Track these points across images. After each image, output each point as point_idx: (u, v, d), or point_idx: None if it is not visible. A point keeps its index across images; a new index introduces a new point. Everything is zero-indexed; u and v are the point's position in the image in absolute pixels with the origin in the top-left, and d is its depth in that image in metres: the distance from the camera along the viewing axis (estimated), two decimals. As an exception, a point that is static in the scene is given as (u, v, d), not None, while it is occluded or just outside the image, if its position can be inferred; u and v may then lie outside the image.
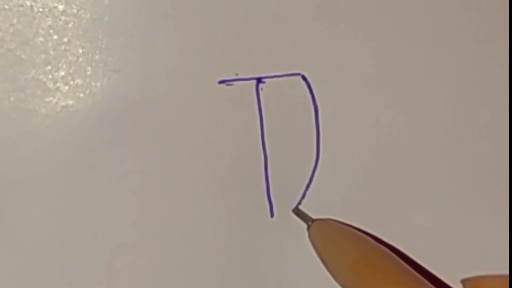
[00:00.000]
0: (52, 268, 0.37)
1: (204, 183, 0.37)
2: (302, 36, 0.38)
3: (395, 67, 0.39)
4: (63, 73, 0.37)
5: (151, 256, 0.37)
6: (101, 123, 0.37)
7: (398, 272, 0.33)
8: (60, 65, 0.37)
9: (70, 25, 0.37)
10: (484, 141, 0.39)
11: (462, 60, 0.39)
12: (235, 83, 0.38)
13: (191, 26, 0.37)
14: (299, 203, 0.38)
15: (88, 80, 0.37)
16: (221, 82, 0.37)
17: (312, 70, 0.38)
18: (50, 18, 0.36)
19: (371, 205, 0.38)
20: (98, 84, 0.37)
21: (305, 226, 0.37)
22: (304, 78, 0.38)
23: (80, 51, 0.37)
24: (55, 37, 0.36)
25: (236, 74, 0.38)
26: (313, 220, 0.37)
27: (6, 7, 0.36)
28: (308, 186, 0.38)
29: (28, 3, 0.36)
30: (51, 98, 0.37)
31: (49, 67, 0.36)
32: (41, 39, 0.36)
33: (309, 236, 0.36)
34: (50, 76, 0.36)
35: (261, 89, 0.38)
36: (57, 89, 0.37)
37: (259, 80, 0.38)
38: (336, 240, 0.35)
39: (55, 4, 0.36)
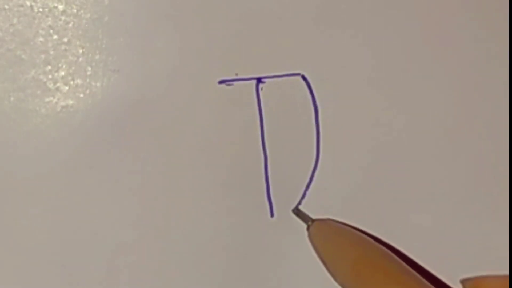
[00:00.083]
0: (52, 268, 0.37)
1: (204, 183, 0.37)
2: (302, 36, 0.38)
3: (395, 67, 0.39)
4: (63, 73, 0.37)
5: (151, 256, 0.37)
6: (101, 123, 0.37)
7: (398, 272, 0.33)
8: (60, 65, 0.37)
9: (70, 25, 0.37)
10: (484, 141, 0.39)
11: (462, 60, 0.39)
12: (235, 83, 0.38)
13: (191, 26, 0.37)
14: (299, 203, 0.38)
15: (88, 80, 0.37)
16: (221, 82, 0.37)
17: (312, 70, 0.38)
18: (50, 18, 0.36)
19: (371, 205, 0.38)
20: (98, 84, 0.37)
21: (305, 226, 0.37)
22: (304, 78, 0.38)
23: (80, 51, 0.37)
24: (55, 37, 0.36)
25: (236, 74, 0.38)
26: (313, 220, 0.37)
27: (6, 7, 0.36)
28: (308, 186, 0.38)
29: (28, 3, 0.36)
30: (51, 98, 0.37)
31: (49, 67, 0.36)
32: (41, 39, 0.36)
33: (309, 236, 0.36)
34: (50, 76, 0.36)
35: (261, 89, 0.38)
36: (57, 89, 0.37)
37: (259, 80, 0.38)
38: (336, 240, 0.35)
39: (55, 4, 0.36)
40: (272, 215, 0.38)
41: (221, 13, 0.37)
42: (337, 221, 0.37)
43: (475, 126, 0.39)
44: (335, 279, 0.34)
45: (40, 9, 0.36)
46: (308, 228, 0.37)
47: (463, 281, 0.36)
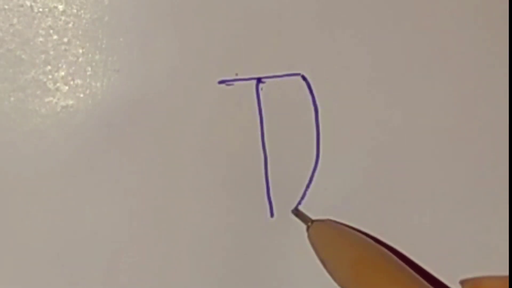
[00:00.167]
0: (52, 268, 0.37)
1: (204, 183, 0.37)
2: (302, 36, 0.38)
3: (395, 67, 0.39)
4: (63, 73, 0.37)
5: (151, 256, 0.37)
6: (101, 123, 0.37)
7: (397, 273, 0.33)
8: (60, 65, 0.37)
9: (70, 25, 0.37)
10: (484, 141, 0.39)
11: (462, 60, 0.39)
12: (235, 83, 0.38)
13: (191, 26, 0.37)
14: (299, 203, 0.38)
15: (88, 80, 0.37)
16: (221, 82, 0.37)
17: (312, 70, 0.38)
18: (50, 18, 0.36)
19: (371, 205, 0.38)
20: (98, 84, 0.37)
21: (305, 226, 0.37)
22: (304, 78, 0.38)
23: (80, 51, 0.37)
24: (55, 37, 0.36)
25: (236, 74, 0.38)
26: (312, 221, 0.37)
27: (6, 7, 0.36)
28: (308, 186, 0.38)
29: (28, 3, 0.36)
30: (51, 98, 0.37)
31: (49, 67, 0.36)
32: (41, 39, 0.36)
33: (309, 237, 0.36)
34: (50, 76, 0.36)
35: (261, 89, 0.38)
36: (57, 89, 0.37)
37: (259, 80, 0.38)
38: (336, 241, 0.35)
39: (55, 4, 0.36)
40: (272, 215, 0.38)
41: (221, 13, 0.37)
42: (336, 222, 0.37)
43: (475, 126, 0.39)
44: (335, 280, 0.34)
45: (40, 9, 0.36)
46: (307, 229, 0.37)
47: (462, 282, 0.36)
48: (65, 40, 0.37)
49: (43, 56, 0.36)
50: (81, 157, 0.37)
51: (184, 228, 0.37)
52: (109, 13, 0.37)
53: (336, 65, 0.38)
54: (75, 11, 0.37)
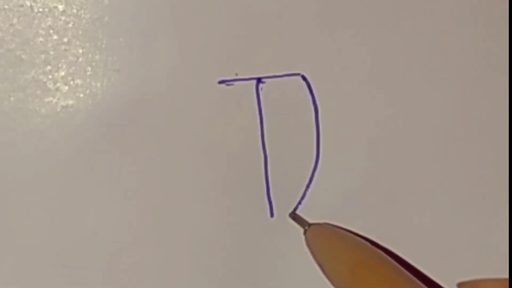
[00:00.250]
0: (52, 268, 0.37)
1: (204, 183, 0.37)
2: (302, 36, 0.38)
3: (395, 67, 0.39)
4: (63, 73, 0.37)
5: (151, 256, 0.37)
6: (101, 123, 0.37)
7: (395, 277, 0.33)
8: (60, 65, 0.37)
9: (70, 25, 0.37)
10: (484, 141, 0.39)
11: (462, 60, 0.39)
12: (235, 83, 0.38)
13: (191, 26, 0.37)
14: (299, 203, 0.38)
15: (88, 80, 0.37)
16: (221, 82, 0.37)
17: (312, 70, 0.38)
18: (50, 18, 0.36)
19: (371, 205, 0.38)
20: (98, 84, 0.37)
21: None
22: (304, 78, 0.38)
23: (80, 51, 0.37)
24: (55, 37, 0.36)
25: (236, 74, 0.38)
26: (309, 225, 0.37)
27: (6, 7, 0.36)
28: (308, 186, 0.38)
29: (28, 3, 0.36)
30: (51, 98, 0.37)
31: (49, 67, 0.36)
32: (41, 39, 0.36)
33: (306, 240, 0.36)
34: (50, 76, 0.36)
35: (261, 89, 0.38)
36: (57, 89, 0.37)
37: (259, 80, 0.38)
38: (333, 245, 0.35)
39: (55, 4, 0.36)
40: (272, 215, 0.38)
41: (221, 13, 0.37)
42: (334, 225, 0.37)
43: (476, 126, 0.39)
44: (332, 284, 0.34)
45: (40, 9, 0.36)
46: (304, 233, 0.37)
47: (460, 285, 0.36)
48: (65, 40, 0.37)
49: (43, 56, 0.36)
50: (81, 157, 0.37)
51: (184, 228, 0.37)
52: (109, 13, 0.37)
53: (336, 65, 0.38)
54: (75, 11, 0.37)
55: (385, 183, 0.39)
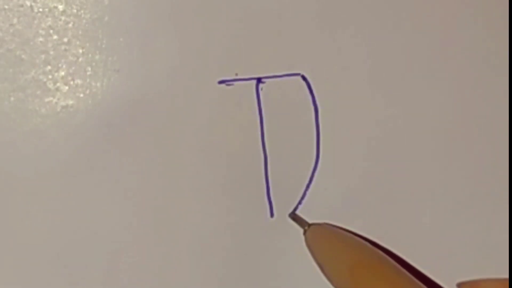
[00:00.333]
0: (52, 268, 0.37)
1: (204, 183, 0.37)
2: (302, 36, 0.38)
3: (395, 67, 0.39)
4: (63, 73, 0.37)
5: (151, 256, 0.37)
6: (101, 123, 0.37)
7: (394, 277, 0.33)
8: (60, 65, 0.37)
9: (70, 25, 0.37)
10: (484, 141, 0.39)
11: (462, 60, 0.39)
12: (235, 83, 0.38)
13: (191, 26, 0.37)
14: (299, 203, 0.38)
15: (88, 80, 0.37)
16: (221, 82, 0.37)
17: (312, 70, 0.38)
18: (50, 18, 0.36)
19: (371, 205, 0.38)
20: (98, 84, 0.37)
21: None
22: (304, 78, 0.38)
23: (80, 51, 0.37)
24: (55, 37, 0.36)
25: (236, 74, 0.38)
26: (309, 225, 0.37)
27: (6, 7, 0.36)
28: (308, 186, 0.38)
29: (28, 3, 0.36)
30: (51, 98, 0.37)
31: (49, 67, 0.36)
32: (41, 39, 0.36)
33: (306, 241, 0.36)
34: (50, 76, 0.36)
35: (261, 89, 0.38)
36: (57, 89, 0.37)
37: (259, 80, 0.38)
38: (333, 245, 0.35)
39: (55, 4, 0.36)
40: (272, 215, 0.38)
41: (221, 13, 0.37)
42: (333, 225, 0.37)
43: (476, 126, 0.39)
44: (332, 284, 0.34)
45: (40, 9, 0.36)
46: (304, 233, 0.37)
47: (459, 285, 0.36)
48: (65, 40, 0.37)
49: (43, 56, 0.36)
50: (81, 157, 0.37)
51: (184, 228, 0.37)
52: (109, 13, 0.37)
53: (336, 65, 0.38)
54: (75, 11, 0.37)
55: (385, 183, 0.39)
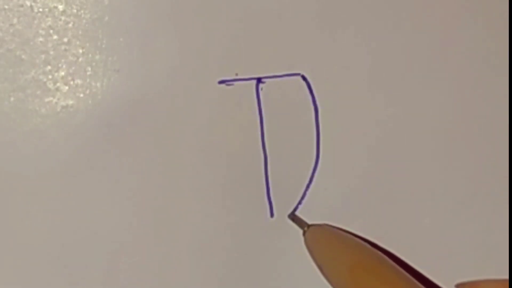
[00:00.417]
0: (52, 268, 0.37)
1: (204, 183, 0.37)
2: (302, 36, 0.38)
3: (395, 67, 0.39)
4: (63, 73, 0.37)
5: (151, 256, 0.37)
6: (101, 123, 0.37)
7: (394, 278, 0.33)
8: (60, 65, 0.37)
9: (70, 25, 0.37)
10: (484, 141, 0.39)
11: (462, 60, 0.39)
12: (235, 83, 0.38)
13: (191, 26, 0.37)
14: (299, 203, 0.38)
15: (88, 80, 0.37)
16: (221, 82, 0.37)
17: (312, 70, 0.38)
18: (50, 18, 0.36)
19: (371, 205, 0.38)
20: (98, 84, 0.37)
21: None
22: (304, 78, 0.38)
23: (80, 51, 0.37)
24: (55, 37, 0.36)
25: (236, 74, 0.38)
26: (308, 226, 0.37)
27: (6, 7, 0.36)
28: (308, 186, 0.38)
29: (28, 3, 0.36)
30: (51, 98, 0.37)
31: (49, 67, 0.36)
32: (41, 39, 0.36)
33: (305, 241, 0.36)
34: (50, 76, 0.36)
35: (261, 89, 0.38)
36: (57, 89, 0.37)
37: (259, 80, 0.38)
38: (332, 246, 0.35)
39: (55, 4, 0.36)
40: (272, 215, 0.38)
41: (221, 13, 0.37)
42: (333, 226, 0.37)
43: (476, 126, 0.39)
44: (332, 285, 0.34)
45: (40, 9, 0.36)
46: (304, 234, 0.37)
47: (459, 286, 0.36)
48: (65, 40, 0.37)
49: (43, 56, 0.36)
50: (81, 157, 0.37)
51: (184, 228, 0.37)
52: (109, 13, 0.37)
53: (336, 65, 0.38)
54: (75, 11, 0.37)
55: (385, 183, 0.39)
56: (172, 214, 0.37)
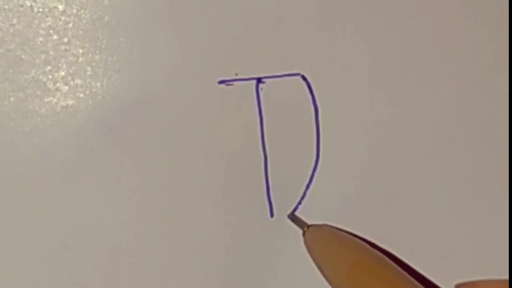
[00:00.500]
0: (52, 268, 0.37)
1: (204, 183, 0.37)
2: (302, 36, 0.38)
3: (395, 67, 0.39)
4: (63, 73, 0.37)
5: (151, 256, 0.37)
6: (101, 123, 0.37)
7: (393, 278, 0.33)
8: (60, 65, 0.37)
9: (70, 25, 0.37)
10: (484, 141, 0.39)
11: (462, 60, 0.39)
12: (235, 83, 0.38)
13: (191, 26, 0.37)
14: (299, 203, 0.38)
15: (88, 80, 0.37)
16: (221, 82, 0.37)
17: (312, 70, 0.38)
18: (50, 18, 0.36)
19: (371, 205, 0.38)
20: (98, 84, 0.37)
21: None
22: (304, 78, 0.38)
23: (80, 51, 0.37)
24: (55, 37, 0.36)
25: (236, 74, 0.38)
26: (308, 226, 0.37)
27: (6, 7, 0.36)
28: (308, 186, 0.38)
29: (28, 3, 0.36)
30: (51, 98, 0.37)
31: (49, 67, 0.36)
32: (41, 39, 0.36)
33: (305, 242, 0.36)
34: (50, 76, 0.36)
35: (261, 89, 0.38)
36: (57, 89, 0.37)
37: (259, 80, 0.38)
38: (332, 246, 0.35)
39: (55, 4, 0.36)
40: (272, 215, 0.38)
41: (221, 13, 0.37)
42: (333, 227, 0.37)
43: (476, 126, 0.39)
44: (331, 285, 0.34)
45: (40, 9, 0.36)
46: (303, 234, 0.37)
47: (458, 286, 0.36)
48: (65, 40, 0.37)
49: (43, 56, 0.36)
50: (81, 157, 0.37)
51: (184, 228, 0.37)
52: (109, 13, 0.37)
53: (336, 65, 0.38)
54: (75, 11, 0.37)
55: (385, 183, 0.39)
56: (172, 214, 0.37)
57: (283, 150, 0.38)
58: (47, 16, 0.36)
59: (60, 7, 0.36)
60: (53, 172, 0.37)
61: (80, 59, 0.37)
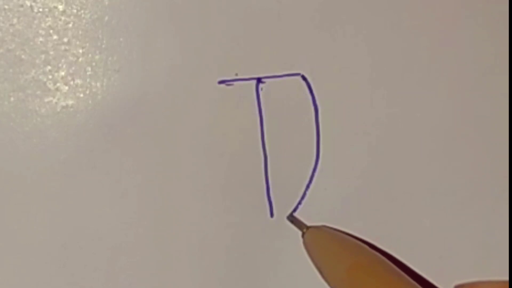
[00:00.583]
0: (53, 268, 0.37)
1: (204, 183, 0.37)
2: (302, 36, 0.38)
3: (395, 67, 0.39)
4: (63, 73, 0.37)
5: (151, 256, 0.37)
6: (101, 123, 0.37)
7: (392, 279, 0.33)
8: (60, 65, 0.37)
9: (70, 25, 0.37)
10: (484, 141, 0.39)
11: (462, 60, 0.39)
12: (235, 83, 0.38)
13: (191, 26, 0.37)
14: (299, 203, 0.38)
15: (88, 80, 0.37)
16: (221, 82, 0.37)
17: (312, 70, 0.38)
18: (50, 18, 0.36)
19: (371, 205, 0.38)
20: (98, 84, 0.37)
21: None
22: (304, 78, 0.38)
23: (80, 51, 0.37)
24: (55, 37, 0.36)
25: (236, 74, 0.38)
26: (307, 227, 0.37)
27: (6, 7, 0.36)
28: (308, 186, 0.38)
29: (28, 3, 0.36)
30: (51, 98, 0.37)
31: (49, 67, 0.36)
32: (41, 39, 0.36)
33: (304, 243, 0.36)
34: (50, 76, 0.36)
35: (261, 89, 0.38)
36: (57, 89, 0.37)
37: (259, 80, 0.38)
38: (331, 248, 0.35)
39: (55, 4, 0.36)
40: (272, 215, 0.38)
41: (221, 13, 0.37)
42: (332, 228, 0.37)
43: (476, 126, 0.39)
44: (330, 286, 0.34)
45: (40, 9, 0.36)
46: (302, 235, 0.37)
47: (457, 287, 0.36)
48: (65, 40, 0.37)
49: (43, 56, 0.36)
50: (81, 157, 0.37)
51: (184, 228, 0.37)
52: (109, 13, 0.37)
53: (336, 65, 0.38)
54: (75, 11, 0.37)
55: (385, 183, 0.39)
56: (172, 214, 0.37)
57: (283, 150, 0.38)
58: (47, 16, 0.36)
59: (60, 7, 0.36)
60: (53, 172, 0.37)
61: (80, 59, 0.37)
